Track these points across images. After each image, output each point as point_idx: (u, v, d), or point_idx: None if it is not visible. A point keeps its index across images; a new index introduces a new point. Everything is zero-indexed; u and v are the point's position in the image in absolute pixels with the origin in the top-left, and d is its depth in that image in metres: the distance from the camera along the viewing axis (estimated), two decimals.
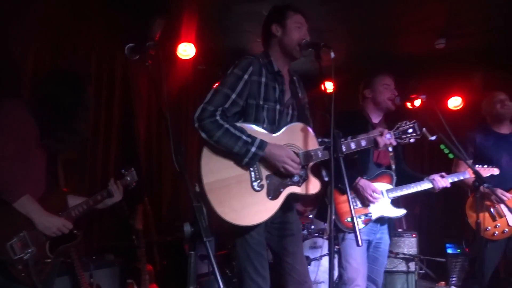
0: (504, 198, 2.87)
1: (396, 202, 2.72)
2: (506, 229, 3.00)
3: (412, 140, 2.47)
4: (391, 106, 2.81)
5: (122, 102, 4.26)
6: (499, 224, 3.01)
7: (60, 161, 2.29)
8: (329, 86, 5.85)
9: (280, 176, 2.09)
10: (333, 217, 1.94)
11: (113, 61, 4.18)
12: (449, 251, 4.59)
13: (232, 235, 2.12)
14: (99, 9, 3.98)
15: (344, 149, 2.18)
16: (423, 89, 4.18)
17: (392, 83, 2.84)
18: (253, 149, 1.98)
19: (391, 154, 2.82)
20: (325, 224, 4.48)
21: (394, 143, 2.36)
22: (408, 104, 5.38)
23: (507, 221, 2.98)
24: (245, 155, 1.98)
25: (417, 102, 4.11)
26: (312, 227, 4.59)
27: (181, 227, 4.64)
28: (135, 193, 4.02)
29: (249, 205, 2.01)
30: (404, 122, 2.44)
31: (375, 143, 2.30)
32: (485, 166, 2.92)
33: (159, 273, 3.76)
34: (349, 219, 2.59)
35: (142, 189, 4.27)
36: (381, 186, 2.70)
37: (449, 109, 5.50)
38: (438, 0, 3.95)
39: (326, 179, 2.57)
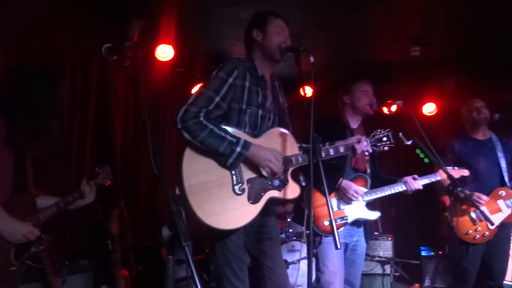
0: (480, 201, 2.95)
1: (371, 205, 2.77)
2: (487, 233, 3.08)
3: (386, 148, 2.55)
4: (369, 111, 2.87)
5: (98, 103, 4.17)
6: (479, 228, 3.09)
7: (29, 161, 2.18)
8: (308, 91, 5.93)
9: (261, 180, 2.09)
10: (312, 220, 1.95)
11: (89, 62, 4.09)
12: (423, 253, 4.68)
13: (212, 239, 2.11)
14: (73, 8, 3.90)
15: (323, 154, 2.21)
16: (398, 95, 4.29)
17: (370, 90, 2.90)
18: (238, 149, 1.99)
19: (367, 158, 2.87)
20: (303, 227, 4.51)
21: (370, 150, 2.41)
22: (385, 110, 5.53)
23: (487, 225, 3.05)
24: (230, 155, 1.98)
25: (394, 108, 4.21)
26: (290, 230, 4.61)
27: (158, 231, 4.58)
28: (110, 196, 3.96)
29: (230, 208, 2.00)
30: (379, 130, 2.50)
31: (353, 150, 2.34)
32: (456, 167, 2.99)
33: (135, 278, 3.69)
34: (326, 223, 2.61)
35: (118, 192, 4.19)
36: None
37: (424, 115, 5.64)
38: (413, 9, 4.05)
39: (304, 183, 2.60)
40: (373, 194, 2.74)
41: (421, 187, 2.75)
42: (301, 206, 2.71)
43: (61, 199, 2.29)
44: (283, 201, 2.20)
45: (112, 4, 4.05)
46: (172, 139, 5.11)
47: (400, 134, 2.92)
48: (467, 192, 2.87)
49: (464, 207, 3.09)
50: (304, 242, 4.30)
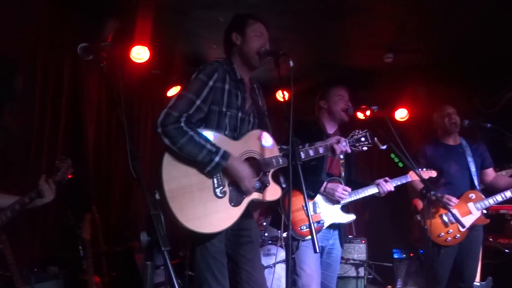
0: (450, 203, 3.04)
1: (345, 208, 2.80)
2: (458, 235, 3.17)
3: (364, 148, 2.58)
4: (345, 117, 2.90)
5: (70, 104, 4.05)
6: (451, 230, 3.17)
7: None
8: (286, 95, 5.96)
9: None
10: (290, 224, 1.95)
11: (62, 61, 3.98)
12: (396, 256, 4.78)
13: (192, 243, 2.08)
14: (46, 6, 3.78)
15: (303, 155, 2.23)
16: (372, 101, 4.39)
17: (346, 95, 2.94)
18: (217, 158, 1.97)
19: (342, 162, 2.91)
20: (279, 231, 4.52)
21: (349, 151, 2.44)
22: (360, 115, 5.63)
23: (458, 227, 3.12)
24: (208, 164, 1.97)
25: (368, 113, 4.28)
26: (266, 234, 4.61)
27: (131, 236, 4.51)
28: (82, 200, 3.85)
29: (211, 212, 1.99)
30: (357, 131, 2.54)
31: (332, 150, 2.36)
32: (424, 169, 3.07)
33: (108, 285, 3.60)
34: (303, 228, 2.63)
35: (90, 196, 4.09)
36: None
37: (396, 120, 5.77)
38: (387, 16, 4.15)
39: (284, 185, 2.61)
40: (348, 197, 2.78)
41: (392, 189, 2.81)
42: (278, 211, 2.71)
43: (16, 200, 2.18)
44: (263, 204, 2.19)
45: (87, 3, 3.95)
46: (147, 142, 5.03)
47: (376, 138, 2.97)
48: (438, 194, 2.94)
49: (436, 210, 3.18)
50: (280, 246, 4.31)
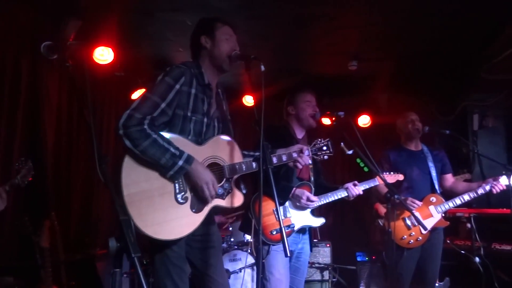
0: (414, 206, 3.14)
1: (315, 212, 2.84)
2: (420, 237, 3.27)
3: (326, 157, 2.62)
4: (313, 123, 2.94)
5: (28, 105, 3.87)
6: (413, 233, 3.26)
7: None
8: (252, 99, 5.98)
9: None
10: (260, 228, 1.95)
11: (19, 61, 3.79)
12: (359, 259, 4.88)
13: (151, 250, 2.02)
14: (2, 3, 3.60)
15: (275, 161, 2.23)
16: (336, 107, 4.48)
17: (313, 100, 2.99)
18: (180, 162, 1.93)
19: (311, 167, 2.95)
20: (245, 236, 4.51)
21: (309, 162, 2.46)
22: (326, 121, 5.74)
23: (420, 230, 3.24)
24: (171, 168, 1.92)
25: (334, 118, 4.32)
26: (232, 239, 4.58)
27: (92, 243, 4.34)
28: (40, 206, 3.68)
29: (172, 218, 1.94)
30: (320, 140, 2.57)
31: (295, 165, 2.39)
32: (392, 172, 3.15)
33: None
34: (274, 232, 2.63)
35: (49, 202, 3.91)
36: None
37: (359, 126, 5.93)
38: (352, 25, 4.27)
39: (244, 191, 2.60)
40: (316, 202, 2.81)
41: (361, 192, 2.87)
42: (248, 215, 2.70)
43: None
44: (226, 210, 2.17)
45: (47, 1, 3.80)
46: (109, 147, 4.89)
47: (342, 144, 3.04)
48: (402, 198, 3.04)
49: (399, 213, 3.28)
50: (246, 251, 4.29)
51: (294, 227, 2.71)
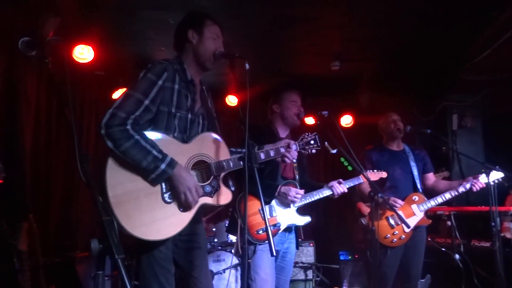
0: (396, 205, 3.18)
1: (301, 211, 2.83)
2: (403, 236, 3.30)
3: (313, 151, 2.62)
4: (297, 121, 2.95)
5: (5, 104, 3.76)
6: (397, 231, 3.30)
7: None
8: (236, 99, 5.97)
9: None
10: (246, 227, 1.94)
11: None
12: (342, 258, 4.92)
13: (138, 251, 1.98)
14: None
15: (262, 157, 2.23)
16: (319, 107, 4.51)
17: (299, 100, 2.99)
18: (163, 166, 1.88)
19: (295, 165, 2.95)
20: (229, 237, 4.49)
21: (296, 155, 2.45)
22: (310, 120, 5.76)
23: (403, 228, 3.28)
24: (153, 171, 1.87)
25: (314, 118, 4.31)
26: (216, 240, 4.56)
27: (72, 246, 4.23)
28: (18, 209, 3.57)
29: (160, 218, 1.90)
30: (307, 134, 2.57)
31: (283, 159, 2.38)
32: (375, 170, 3.19)
33: None
34: (260, 231, 2.62)
35: (26, 204, 3.80)
36: None
37: (342, 126, 5.98)
38: (334, 26, 4.30)
39: (233, 189, 2.58)
40: (303, 199, 2.81)
41: (346, 190, 2.89)
42: (234, 215, 2.69)
43: None
44: (214, 208, 2.15)
45: None
46: (89, 147, 4.79)
47: (326, 143, 3.05)
48: (385, 197, 3.07)
49: (382, 212, 3.31)
50: (230, 252, 4.27)
51: (280, 226, 2.71)
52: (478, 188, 3.29)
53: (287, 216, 2.76)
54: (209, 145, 2.11)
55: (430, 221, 3.41)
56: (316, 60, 5.14)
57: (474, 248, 3.94)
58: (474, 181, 3.30)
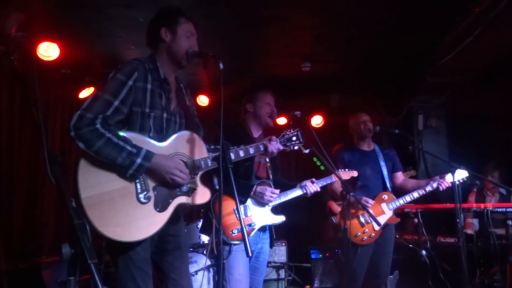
0: (368, 204, 3.25)
1: (275, 210, 2.84)
2: (373, 234, 3.38)
3: (296, 147, 2.64)
4: (270, 122, 2.96)
5: None
6: (367, 230, 3.37)
7: None
8: (204, 100, 5.92)
9: (168, 186, 1.98)
10: (221, 228, 1.92)
11: None
12: (313, 256, 4.98)
13: (114, 253, 1.93)
14: None
15: (233, 156, 2.20)
16: (290, 107, 4.54)
17: (272, 100, 3.00)
18: (139, 160, 1.85)
19: (268, 165, 2.95)
20: (201, 238, 4.44)
21: (281, 148, 2.47)
22: (283, 120, 5.79)
23: (373, 226, 3.35)
24: (130, 166, 1.84)
25: (284, 119, 4.31)
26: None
27: (37, 251, 4.08)
28: None
29: (135, 219, 1.87)
30: (289, 130, 2.59)
31: (265, 149, 2.38)
32: (346, 169, 3.24)
33: None
34: (235, 232, 2.61)
35: None
36: None
37: (313, 126, 6.04)
38: (305, 27, 4.35)
39: (217, 187, 2.57)
40: (277, 199, 2.83)
41: (319, 189, 2.93)
42: (208, 216, 2.66)
43: None
44: (192, 207, 2.12)
45: None
46: (55, 147, 4.63)
47: None
48: (357, 196, 3.12)
49: (353, 211, 3.38)
50: (201, 253, 4.23)
51: (255, 226, 2.71)
52: (444, 188, 3.41)
53: (261, 215, 2.77)
54: (186, 144, 2.07)
55: (399, 219, 3.51)
56: (287, 61, 5.18)
57: (440, 244, 4.09)
58: (441, 180, 3.41)
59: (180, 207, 2.03)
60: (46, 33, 4.11)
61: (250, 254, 1.76)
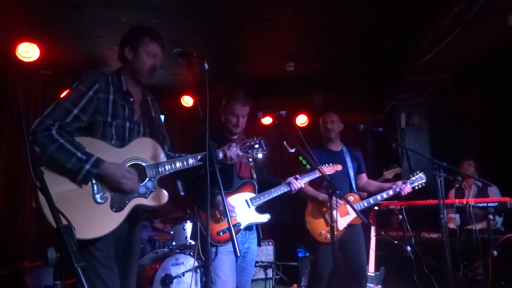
0: (338, 205, 3.28)
1: (260, 209, 2.85)
2: (336, 233, 3.41)
3: (260, 155, 2.67)
4: (236, 131, 2.88)
5: None
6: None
7: None
8: (188, 100, 5.88)
9: (121, 191, 2.04)
10: (208, 229, 1.92)
11: None
12: (300, 255, 5.00)
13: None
14: None
15: (191, 162, 2.20)
16: (275, 107, 4.56)
17: (242, 110, 2.84)
18: (87, 166, 1.93)
19: (252, 164, 2.94)
20: (187, 239, 4.42)
21: (241, 154, 2.46)
22: (268, 120, 5.78)
23: (337, 226, 3.37)
24: (78, 172, 1.92)
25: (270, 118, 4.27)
26: (174, 243, 4.47)
27: (18, 256, 3.99)
28: None
29: (90, 217, 1.93)
30: (251, 139, 2.57)
31: (224, 155, 2.38)
32: (330, 164, 3.24)
33: None
34: (220, 233, 2.60)
35: None
36: (245, 195, 2.81)
37: (297, 125, 6.06)
38: (288, 27, 4.36)
39: (182, 193, 2.56)
40: (261, 198, 2.82)
41: (303, 185, 2.95)
42: (195, 220, 2.65)
43: None
44: (151, 209, 2.15)
45: None
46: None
47: (284, 142, 3.08)
48: (342, 194, 3.11)
49: (322, 209, 3.44)
50: (189, 254, 4.21)
51: (240, 225, 2.70)
52: (405, 193, 3.52)
53: (246, 215, 2.76)
54: (145, 149, 2.15)
55: (362, 220, 3.56)
56: (271, 60, 5.19)
57: (424, 239, 4.16)
58: (403, 186, 3.51)
59: (138, 208, 2.08)
60: (25, 34, 4.02)
61: (239, 254, 1.76)
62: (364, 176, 3.77)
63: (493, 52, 4.56)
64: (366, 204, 3.51)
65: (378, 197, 3.52)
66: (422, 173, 3.59)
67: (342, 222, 3.43)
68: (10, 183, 4.20)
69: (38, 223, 4.34)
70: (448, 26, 4.07)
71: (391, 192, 3.53)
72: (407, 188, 3.51)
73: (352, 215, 3.47)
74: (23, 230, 4.26)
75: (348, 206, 3.41)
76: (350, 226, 3.48)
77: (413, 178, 3.56)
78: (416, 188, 3.54)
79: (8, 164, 4.19)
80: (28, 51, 4.00)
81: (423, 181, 3.56)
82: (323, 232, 3.39)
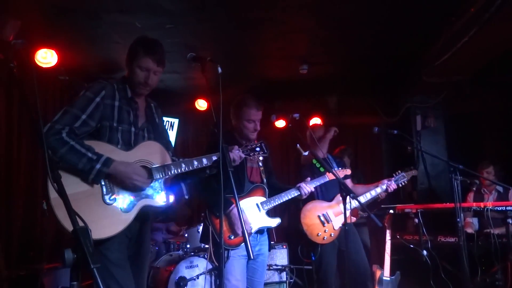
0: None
1: (270, 213, 2.86)
2: (333, 233, 3.43)
3: (261, 158, 2.71)
4: (253, 137, 2.87)
5: None
6: (327, 229, 3.41)
7: None
8: (203, 104, 5.93)
9: (131, 190, 2.09)
10: (222, 232, 1.93)
11: None
12: (314, 258, 4.95)
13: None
14: None
15: (196, 164, 2.25)
16: (288, 110, 4.56)
17: (257, 115, 2.86)
18: (98, 166, 1.98)
19: (262, 169, 2.96)
20: (203, 244, 4.44)
21: (243, 156, 2.48)
22: (282, 123, 5.78)
23: (333, 226, 3.41)
24: (90, 172, 1.97)
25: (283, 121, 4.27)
26: (188, 246, 4.50)
27: (37, 258, 4.07)
28: None
29: (99, 218, 1.96)
30: (252, 143, 2.62)
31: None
32: (340, 168, 3.30)
33: None
34: (232, 237, 2.61)
35: None
36: (256, 199, 2.83)
37: (310, 127, 6.04)
38: (300, 30, 4.36)
39: (187, 197, 2.58)
40: (272, 202, 2.84)
41: (313, 189, 2.98)
42: (206, 224, 2.67)
43: None
44: (156, 209, 2.19)
45: None
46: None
47: (298, 145, 3.08)
48: (358, 198, 3.10)
49: (313, 211, 3.43)
50: (203, 257, 4.23)
51: (251, 229, 2.71)
52: (391, 190, 3.56)
53: (257, 219, 2.77)
54: (151, 151, 2.21)
55: (355, 218, 3.62)
56: (284, 63, 5.20)
57: (440, 243, 4.08)
58: (389, 183, 3.56)
59: (146, 209, 2.12)
60: (44, 40, 4.12)
61: (252, 257, 1.77)
62: (349, 182, 3.80)
63: (510, 52, 4.48)
64: (357, 203, 3.51)
65: (368, 195, 3.55)
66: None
67: (337, 222, 3.44)
68: (29, 185, 4.29)
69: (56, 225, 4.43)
70: (464, 26, 4.01)
71: (378, 190, 3.57)
72: (393, 185, 3.58)
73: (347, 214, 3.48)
74: (42, 232, 4.34)
75: (341, 205, 3.42)
76: (344, 225, 3.48)
77: (396, 176, 3.64)
78: (400, 185, 3.64)
79: (28, 166, 4.29)
80: (46, 57, 4.10)
81: (405, 179, 3.65)
82: (320, 233, 3.40)
